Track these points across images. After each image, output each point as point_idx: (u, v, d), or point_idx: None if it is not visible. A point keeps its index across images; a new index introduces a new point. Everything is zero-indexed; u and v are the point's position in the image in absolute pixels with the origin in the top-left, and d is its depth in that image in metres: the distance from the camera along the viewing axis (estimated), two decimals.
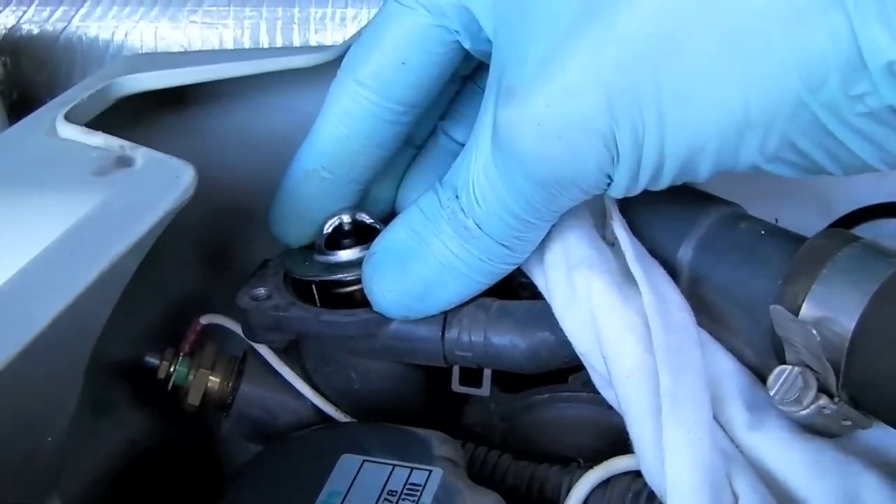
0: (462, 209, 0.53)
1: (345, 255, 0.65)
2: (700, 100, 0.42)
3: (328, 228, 0.65)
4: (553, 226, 0.57)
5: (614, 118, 0.44)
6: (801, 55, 0.39)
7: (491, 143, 0.50)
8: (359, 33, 0.62)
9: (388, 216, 0.64)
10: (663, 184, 0.48)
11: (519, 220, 0.52)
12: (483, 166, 0.51)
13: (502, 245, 0.54)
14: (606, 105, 0.43)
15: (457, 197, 0.54)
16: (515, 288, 0.70)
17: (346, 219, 0.66)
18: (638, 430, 0.50)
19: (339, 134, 0.61)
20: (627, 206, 0.59)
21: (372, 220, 0.66)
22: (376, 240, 0.59)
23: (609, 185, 0.48)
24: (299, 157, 0.65)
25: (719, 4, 0.40)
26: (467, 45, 0.57)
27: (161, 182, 0.56)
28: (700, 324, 0.54)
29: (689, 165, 0.45)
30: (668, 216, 0.58)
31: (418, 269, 0.56)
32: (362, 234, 0.66)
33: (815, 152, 0.43)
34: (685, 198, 0.59)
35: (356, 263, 0.64)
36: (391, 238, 0.58)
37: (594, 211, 0.59)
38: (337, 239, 0.66)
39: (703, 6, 0.40)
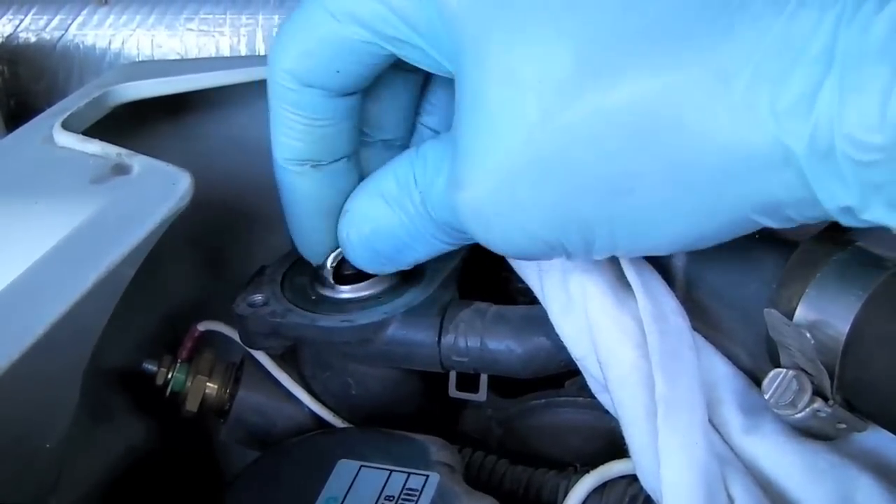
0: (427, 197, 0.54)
1: (349, 290, 0.65)
2: (652, 230, 0.44)
3: (332, 262, 0.65)
4: None
5: (563, 234, 0.46)
6: (755, 199, 0.40)
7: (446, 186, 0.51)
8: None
9: None
10: None
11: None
12: (440, 185, 0.53)
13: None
14: (554, 226, 0.45)
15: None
16: (512, 293, 0.70)
17: None
18: (633, 434, 0.50)
19: (298, 124, 0.58)
20: None
21: None
22: (351, 197, 0.59)
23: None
24: (278, 164, 0.60)
25: (672, 156, 0.41)
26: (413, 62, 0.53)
27: (158, 189, 0.56)
28: (695, 328, 0.54)
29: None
30: None
31: (389, 233, 0.56)
32: None
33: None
34: None
35: (361, 300, 0.65)
36: (365, 201, 0.58)
37: None
38: (342, 271, 0.66)
39: (656, 159, 0.41)
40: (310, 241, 0.62)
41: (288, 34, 0.53)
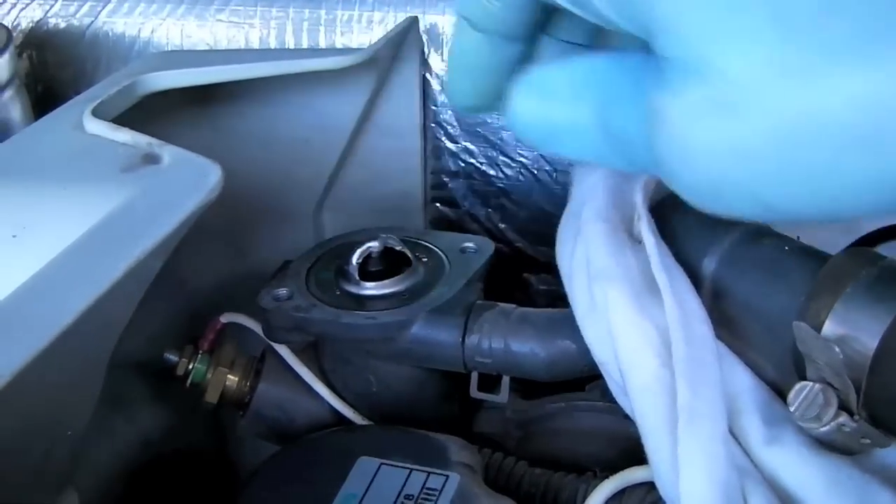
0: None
1: (375, 287, 0.65)
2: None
3: (358, 258, 0.65)
4: (578, 230, 0.57)
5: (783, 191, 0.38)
6: None
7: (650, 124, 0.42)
8: None
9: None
10: None
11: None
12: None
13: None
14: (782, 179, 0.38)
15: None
16: (532, 296, 0.70)
17: (376, 247, 0.66)
18: (653, 442, 0.50)
19: None
20: (658, 209, 0.59)
21: (401, 247, 0.67)
22: (540, 67, 0.51)
23: None
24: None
25: None
26: None
27: (188, 181, 0.56)
28: (721, 338, 0.54)
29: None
30: (694, 228, 0.58)
31: (555, 116, 0.49)
32: (392, 262, 0.67)
33: None
34: None
35: (386, 297, 0.65)
36: (551, 75, 0.50)
37: (624, 205, 0.59)
38: (367, 267, 0.66)
39: None
40: (461, 89, 0.57)
41: None
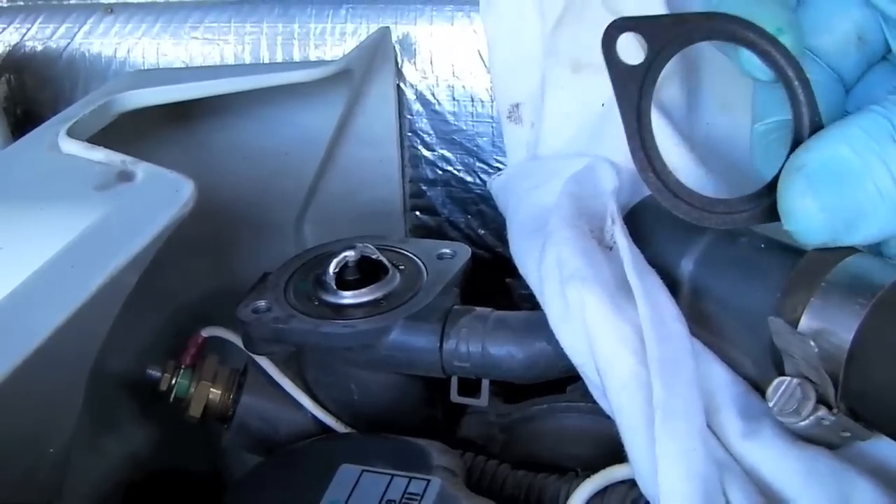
0: None
1: (352, 296, 0.66)
2: None
3: (335, 268, 0.66)
4: (548, 230, 0.57)
5: None
6: None
7: None
8: None
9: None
10: None
11: None
12: None
13: None
14: None
15: None
16: (516, 300, 0.70)
17: (352, 256, 0.66)
18: (632, 440, 0.50)
19: None
20: (630, 215, 0.60)
21: (378, 255, 0.67)
22: (806, 151, 0.48)
23: None
24: None
25: None
26: None
27: (161, 196, 0.57)
28: (700, 336, 0.54)
29: None
30: (670, 229, 0.58)
31: (856, 193, 0.46)
32: (369, 271, 0.67)
33: None
34: None
35: (363, 305, 0.65)
36: (831, 153, 0.47)
37: (592, 216, 0.59)
38: (344, 276, 0.66)
39: None
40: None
41: None
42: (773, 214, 0.49)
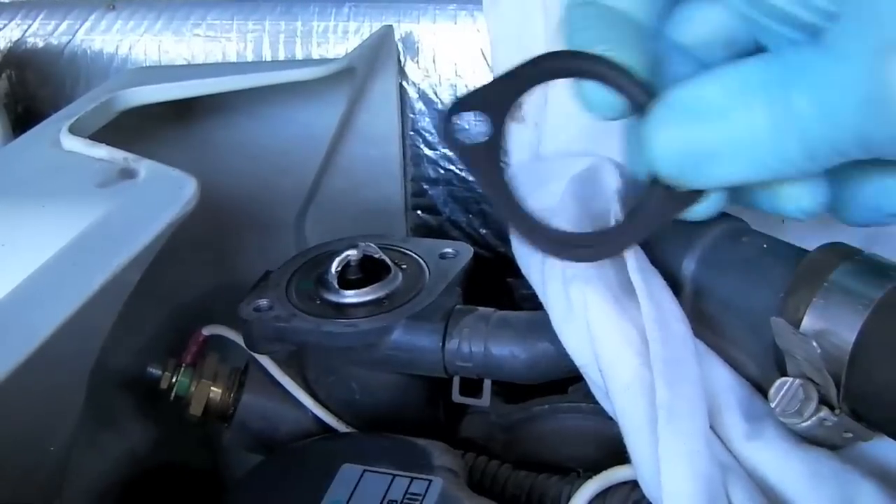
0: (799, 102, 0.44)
1: (354, 295, 0.65)
2: None
3: (337, 267, 0.66)
4: None
5: None
6: None
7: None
8: None
9: None
10: None
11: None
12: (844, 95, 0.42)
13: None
14: None
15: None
16: (518, 300, 0.70)
17: (355, 255, 0.66)
18: (635, 442, 0.50)
19: None
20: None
21: (380, 254, 0.67)
22: (678, 87, 0.48)
23: None
24: None
25: None
26: None
27: (163, 194, 0.57)
28: (703, 337, 0.54)
29: None
30: (673, 229, 0.58)
31: (713, 132, 0.46)
32: (371, 270, 0.67)
33: None
34: None
35: (366, 305, 0.65)
36: (699, 91, 0.47)
37: (594, 216, 0.59)
38: (346, 276, 0.66)
39: None
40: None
41: None
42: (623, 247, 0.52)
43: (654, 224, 0.51)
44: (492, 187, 0.50)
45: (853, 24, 0.42)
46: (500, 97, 0.51)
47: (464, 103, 0.50)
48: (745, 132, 0.45)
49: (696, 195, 0.49)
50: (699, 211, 0.50)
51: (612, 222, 0.58)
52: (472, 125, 0.51)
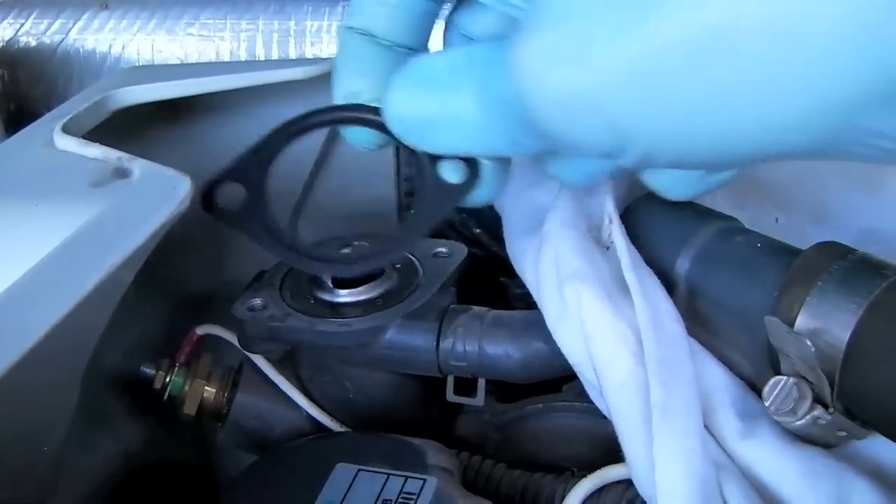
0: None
1: (348, 294, 0.65)
2: (744, 103, 0.38)
3: None
4: (544, 230, 0.57)
5: (631, 106, 0.39)
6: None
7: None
8: None
9: None
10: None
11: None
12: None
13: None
14: (628, 89, 0.39)
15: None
16: (510, 299, 0.70)
17: (349, 253, 0.66)
18: (629, 440, 0.50)
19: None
20: (627, 214, 0.60)
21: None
22: (420, 56, 0.51)
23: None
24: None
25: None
26: None
27: (158, 193, 0.57)
28: (697, 336, 0.54)
29: (719, 159, 0.43)
30: (667, 228, 0.58)
31: (435, 104, 0.49)
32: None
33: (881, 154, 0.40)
34: (684, 211, 0.59)
35: (360, 304, 0.65)
36: (431, 63, 0.50)
37: (590, 215, 0.59)
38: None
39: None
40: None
41: None
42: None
43: (431, 219, 0.55)
44: (259, 239, 0.55)
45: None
46: (255, 167, 0.56)
47: (220, 177, 0.55)
48: (457, 106, 0.48)
49: (465, 187, 0.53)
50: (477, 197, 0.54)
51: (606, 221, 0.58)
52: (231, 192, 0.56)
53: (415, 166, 0.55)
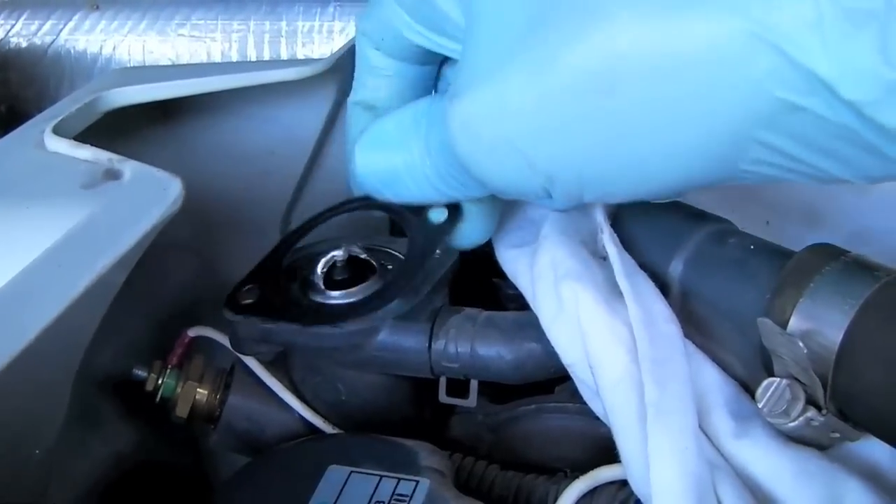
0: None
1: (340, 296, 0.65)
2: (638, 138, 0.41)
3: (323, 267, 0.65)
4: (540, 238, 0.58)
5: (543, 148, 0.44)
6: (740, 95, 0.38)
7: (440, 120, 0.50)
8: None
9: None
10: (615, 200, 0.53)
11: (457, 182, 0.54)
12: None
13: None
14: (537, 133, 0.44)
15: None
16: (502, 300, 0.70)
17: (340, 255, 0.66)
18: (625, 439, 0.50)
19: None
20: (619, 221, 0.60)
21: (365, 255, 0.67)
22: (379, 119, 0.58)
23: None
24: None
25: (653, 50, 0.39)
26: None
27: (148, 195, 0.57)
28: (691, 338, 0.54)
29: (642, 193, 0.45)
30: (660, 232, 0.59)
31: (392, 160, 0.56)
32: (357, 271, 0.67)
33: (775, 171, 0.42)
34: (676, 214, 0.59)
35: (351, 306, 0.64)
36: (383, 126, 0.57)
37: (583, 227, 0.60)
38: (332, 276, 0.66)
39: (638, 48, 0.39)
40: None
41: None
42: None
43: (424, 257, 0.63)
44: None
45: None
46: (269, 270, 0.67)
47: (243, 283, 0.66)
48: (408, 160, 0.55)
49: (448, 225, 0.62)
50: (468, 238, 0.63)
51: (599, 232, 0.58)
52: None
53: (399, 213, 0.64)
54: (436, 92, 0.62)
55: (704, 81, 0.38)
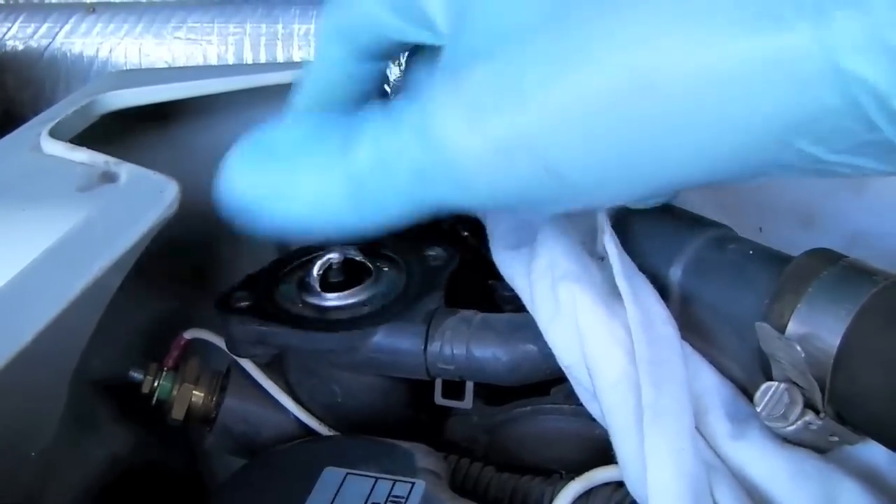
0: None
1: (336, 298, 0.65)
2: (671, 141, 0.39)
3: (319, 270, 0.65)
4: (538, 239, 0.58)
5: (567, 149, 0.40)
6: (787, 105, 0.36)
7: (416, 133, 0.44)
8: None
9: None
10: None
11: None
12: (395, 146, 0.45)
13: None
14: (563, 134, 0.40)
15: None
16: (498, 301, 0.70)
17: (336, 258, 0.66)
18: (622, 440, 0.50)
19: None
20: (619, 225, 0.60)
21: (361, 257, 0.67)
22: (265, 127, 0.49)
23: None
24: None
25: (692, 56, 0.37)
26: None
27: (145, 197, 0.57)
28: (691, 342, 0.54)
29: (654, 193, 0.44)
30: (659, 237, 0.59)
31: (291, 177, 0.47)
32: (353, 273, 0.67)
33: (807, 172, 0.41)
34: (676, 219, 0.59)
35: (348, 308, 0.64)
36: (280, 134, 0.49)
37: (582, 228, 0.60)
38: (328, 279, 0.66)
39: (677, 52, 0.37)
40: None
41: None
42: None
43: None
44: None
45: (412, 92, 0.45)
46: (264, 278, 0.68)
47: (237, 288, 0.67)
48: (316, 179, 0.46)
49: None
50: None
51: (600, 233, 0.58)
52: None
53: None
54: (390, 94, 0.59)
55: (752, 88, 0.37)
